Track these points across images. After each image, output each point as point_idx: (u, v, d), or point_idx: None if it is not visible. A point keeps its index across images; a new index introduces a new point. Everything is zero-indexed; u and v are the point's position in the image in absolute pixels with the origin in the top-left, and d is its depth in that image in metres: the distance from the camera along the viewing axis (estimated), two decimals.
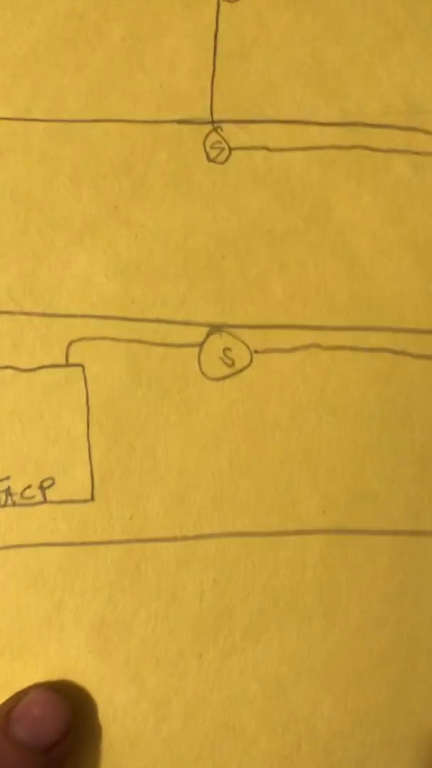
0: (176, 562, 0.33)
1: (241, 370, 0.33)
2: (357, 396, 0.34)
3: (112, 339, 0.33)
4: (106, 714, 0.32)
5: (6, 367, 0.33)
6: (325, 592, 0.33)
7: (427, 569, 0.33)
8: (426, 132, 0.35)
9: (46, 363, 0.33)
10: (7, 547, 0.32)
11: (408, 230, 0.34)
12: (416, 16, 0.35)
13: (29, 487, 0.32)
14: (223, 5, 0.35)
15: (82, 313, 0.33)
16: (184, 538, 0.33)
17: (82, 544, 0.32)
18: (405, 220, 0.34)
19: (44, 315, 0.33)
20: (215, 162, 0.34)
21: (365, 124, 0.35)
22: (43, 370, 0.33)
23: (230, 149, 0.34)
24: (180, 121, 0.34)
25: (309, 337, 0.34)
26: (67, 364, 0.33)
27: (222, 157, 0.34)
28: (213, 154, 0.34)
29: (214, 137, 0.34)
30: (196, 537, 0.33)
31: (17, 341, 0.33)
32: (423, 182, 0.34)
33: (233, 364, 0.33)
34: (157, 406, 0.33)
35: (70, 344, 0.33)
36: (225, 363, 0.33)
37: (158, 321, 0.33)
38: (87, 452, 0.33)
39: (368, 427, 0.34)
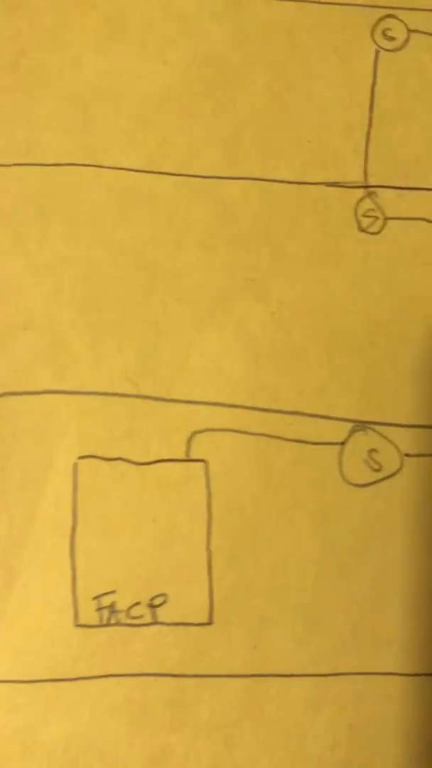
0: (306, 704, 0.28)
1: (389, 476, 0.29)
2: None
3: (240, 431, 0.29)
4: None
5: (117, 459, 0.28)
6: None
7: None
8: None
9: (163, 456, 0.28)
10: (107, 676, 0.27)
11: None
12: None
13: (137, 604, 0.28)
14: (383, 55, 0.31)
15: (207, 399, 0.29)
16: (317, 675, 0.28)
17: (197, 676, 0.28)
18: None
19: (164, 400, 0.29)
20: (367, 232, 0.30)
21: None
22: (159, 465, 0.28)
23: (385, 219, 0.30)
24: (329, 184, 0.30)
25: None
26: (188, 459, 0.28)
27: (376, 227, 0.30)
28: (365, 223, 0.30)
29: (367, 204, 0.30)
30: (331, 674, 0.28)
31: (131, 429, 0.28)
32: None
33: (380, 468, 0.29)
34: (290, 514, 0.29)
35: (192, 435, 0.29)
36: (370, 466, 0.29)
37: (294, 413, 0.29)
38: (206, 565, 0.28)
39: None
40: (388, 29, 0.31)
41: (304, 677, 0.28)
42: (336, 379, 0.29)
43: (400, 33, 0.31)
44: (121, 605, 0.28)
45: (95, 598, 0.28)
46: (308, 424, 0.29)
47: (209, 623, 0.28)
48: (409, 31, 0.31)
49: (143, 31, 0.30)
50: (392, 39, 0.31)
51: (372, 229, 0.30)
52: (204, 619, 0.28)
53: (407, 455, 0.29)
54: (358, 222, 0.30)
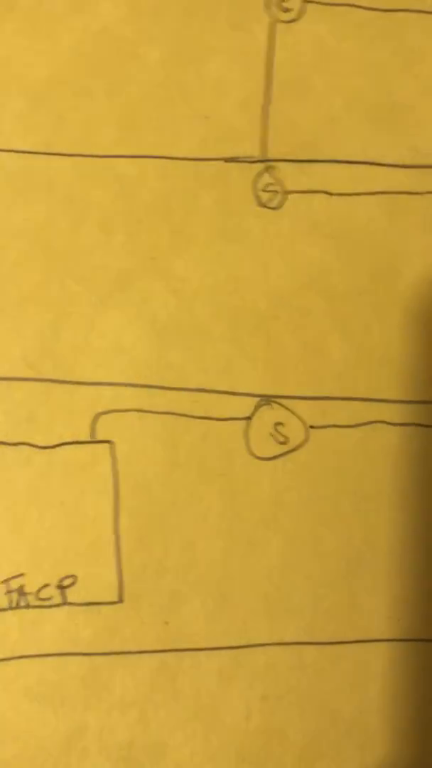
0: (219, 676, 0.28)
1: (295, 449, 0.29)
2: (420, 472, 0.29)
3: (146, 411, 0.29)
4: None
5: (20, 444, 0.28)
6: (391, 710, 0.29)
7: None
8: None
9: (67, 439, 0.29)
10: (20, 657, 0.28)
11: None
12: None
13: (46, 586, 0.28)
14: (279, 26, 0.31)
15: (110, 380, 0.29)
16: (228, 648, 0.28)
17: (109, 654, 0.28)
18: None
19: (66, 382, 0.29)
20: (267, 207, 0.30)
21: None
22: (64, 447, 0.29)
23: (285, 192, 0.30)
24: (227, 159, 0.30)
25: (374, 411, 0.30)
26: (93, 441, 0.29)
27: (275, 202, 0.30)
28: (265, 197, 0.30)
29: (266, 178, 0.30)
30: (242, 647, 0.29)
31: (34, 414, 0.29)
32: None
33: (286, 441, 0.29)
34: (198, 491, 0.29)
35: (96, 417, 0.29)
36: (276, 440, 0.29)
37: (199, 390, 0.29)
38: (114, 545, 0.28)
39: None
40: (284, 0, 0.31)
41: (216, 650, 0.29)
42: (240, 355, 0.30)
43: (295, 3, 0.31)
44: (30, 587, 0.28)
45: (4, 581, 0.28)
46: (214, 400, 0.29)
47: (119, 602, 0.28)
48: (305, 1, 0.31)
49: (33, 9, 0.30)
50: (288, 10, 0.31)
51: (272, 204, 0.30)
52: (114, 597, 0.28)
53: (312, 427, 0.30)
54: (258, 197, 0.30)
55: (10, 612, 0.28)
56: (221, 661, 0.29)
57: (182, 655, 0.29)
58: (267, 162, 0.30)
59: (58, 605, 0.28)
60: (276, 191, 0.30)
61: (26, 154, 0.29)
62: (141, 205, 0.30)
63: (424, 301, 0.30)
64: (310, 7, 0.31)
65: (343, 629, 0.29)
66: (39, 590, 0.28)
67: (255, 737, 0.28)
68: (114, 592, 0.28)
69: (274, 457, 0.29)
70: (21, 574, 0.28)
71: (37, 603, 0.28)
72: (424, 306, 0.30)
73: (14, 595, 0.28)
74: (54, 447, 0.29)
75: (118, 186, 0.30)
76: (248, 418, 0.29)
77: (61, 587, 0.28)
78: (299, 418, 0.30)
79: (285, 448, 0.30)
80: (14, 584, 0.28)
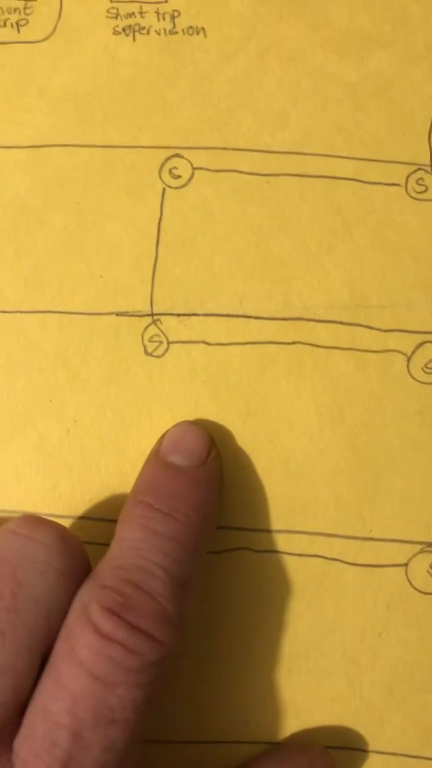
0: None
1: None
2: (284, 602, 0.34)
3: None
4: None
5: None
6: None
7: None
8: (371, 328, 0.35)
9: None
10: None
11: (347, 430, 0.34)
12: (368, 205, 0.35)
13: None
14: (169, 192, 0.35)
15: (7, 508, 0.34)
16: None
17: None
18: (344, 420, 0.35)
19: None
20: (152, 356, 0.35)
21: (308, 319, 0.35)
22: None
23: (169, 343, 0.35)
24: (119, 314, 0.34)
25: (240, 539, 0.34)
26: None
27: (160, 351, 0.35)
28: (151, 347, 0.35)
29: (152, 330, 0.35)
30: None
31: None
32: (365, 381, 0.35)
33: None
34: None
35: None
36: None
37: (87, 519, 0.34)
38: None
39: (296, 632, 0.34)
40: (175, 168, 0.35)
41: None
42: (126, 488, 0.34)
43: (185, 171, 0.35)
44: None
45: None
46: (99, 527, 0.34)
47: None
48: (194, 168, 0.35)
49: None
50: (178, 177, 0.35)
51: (157, 353, 0.35)
52: None
53: None
54: (145, 347, 0.35)
55: None
56: None
57: None
58: (154, 316, 0.35)
59: None
60: (161, 341, 0.35)
61: None
62: (41, 353, 0.35)
63: (286, 438, 0.34)
64: (198, 173, 0.35)
65: None
66: None
67: None
68: None
69: None
70: None
71: None
72: (287, 441, 0.34)
73: None
74: None
75: (23, 337, 0.34)
76: None
77: None
78: None
79: None
80: None
